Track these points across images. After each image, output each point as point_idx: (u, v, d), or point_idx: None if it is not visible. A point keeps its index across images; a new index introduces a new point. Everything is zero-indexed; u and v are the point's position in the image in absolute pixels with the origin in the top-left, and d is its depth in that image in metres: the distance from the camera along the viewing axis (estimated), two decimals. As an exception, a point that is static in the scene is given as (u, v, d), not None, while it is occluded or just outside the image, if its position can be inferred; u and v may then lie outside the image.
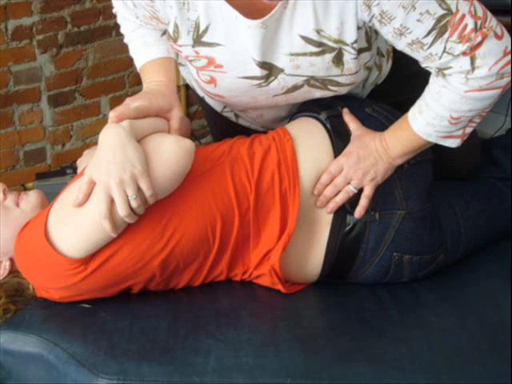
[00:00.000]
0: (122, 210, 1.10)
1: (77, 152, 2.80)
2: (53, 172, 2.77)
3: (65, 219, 1.15)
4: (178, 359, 1.10)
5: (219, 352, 1.11)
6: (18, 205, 1.26)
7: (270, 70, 1.24)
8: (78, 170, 1.36)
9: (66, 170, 2.74)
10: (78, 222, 1.13)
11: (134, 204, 1.11)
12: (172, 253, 1.19)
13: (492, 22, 1.10)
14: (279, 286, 1.27)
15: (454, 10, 1.07)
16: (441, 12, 1.07)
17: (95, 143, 1.19)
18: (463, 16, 1.08)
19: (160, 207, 1.17)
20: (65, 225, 1.14)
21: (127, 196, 1.10)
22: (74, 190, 1.15)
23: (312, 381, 1.08)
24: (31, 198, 1.28)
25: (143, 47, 1.33)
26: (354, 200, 1.25)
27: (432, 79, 1.18)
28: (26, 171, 2.77)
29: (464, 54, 1.10)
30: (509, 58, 1.10)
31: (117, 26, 1.41)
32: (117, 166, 1.09)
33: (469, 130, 1.22)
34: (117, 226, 1.12)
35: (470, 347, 1.15)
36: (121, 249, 1.16)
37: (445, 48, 1.10)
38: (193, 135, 3.07)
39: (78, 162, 1.39)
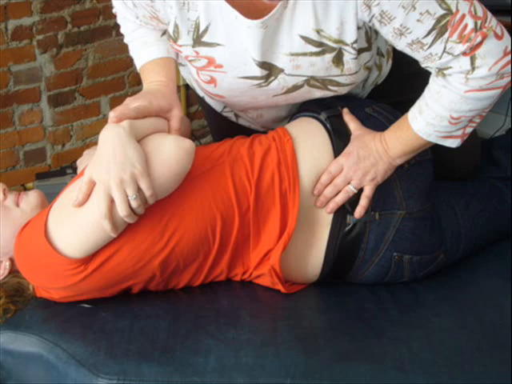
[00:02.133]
0: (121, 210, 1.10)
1: (77, 152, 2.80)
2: (53, 172, 2.76)
3: (65, 219, 1.15)
4: (177, 359, 1.10)
5: (219, 352, 1.11)
6: (17, 205, 1.26)
7: (270, 70, 1.24)
8: (78, 170, 1.36)
9: (66, 170, 2.75)
10: (77, 222, 1.13)
11: (133, 204, 1.11)
12: (172, 253, 1.19)
13: (492, 22, 1.10)
14: (279, 286, 1.27)
15: (454, 10, 1.07)
16: (441, 12, 1.07)
17: (95, 143, 1.19)
18: (463, 16, 1.08)
19: (160, 207, 1.17)
20: (65, 225, 1.14)
21: (127, 196, 1.10)
22: (73, 190, 1.15)
23: (312, 381, 1.08)
24: (31, 198, 1.28)
25: (143, 47, 1.33)
26: (353, 200, 1.25)
27: (432, 79, 1.18)
28: (26, 171, 2.77)
29: (464, 53, 1.10)
30: (509, 58, 1.10)
31: (117, 26, 1.41)
32: (117, 166, 1.09)
33: (469, 130, 1.22)
34: (117, 226, 1.12)
35: (469, 347, 1.15)
36: (121, 249, 1.16)
37: (445, 48, 1.10)
38: (193, 135, 3.07)
39: (78, 162, 1.39)
